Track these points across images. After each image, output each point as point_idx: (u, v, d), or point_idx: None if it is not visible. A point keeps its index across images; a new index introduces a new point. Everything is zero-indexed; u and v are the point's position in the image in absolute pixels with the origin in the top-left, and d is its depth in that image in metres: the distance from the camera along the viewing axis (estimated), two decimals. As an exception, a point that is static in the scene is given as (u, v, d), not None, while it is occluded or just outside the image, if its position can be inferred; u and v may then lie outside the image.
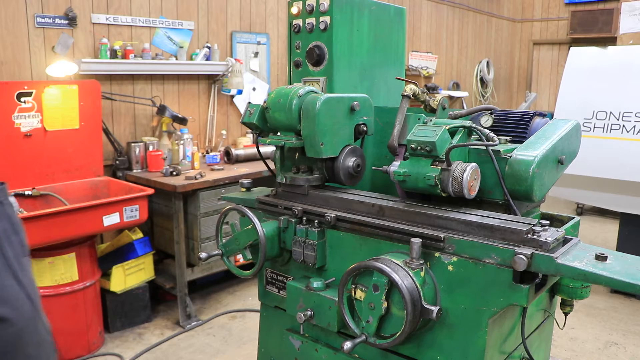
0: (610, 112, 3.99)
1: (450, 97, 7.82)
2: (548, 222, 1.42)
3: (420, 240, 1.45)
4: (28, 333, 1.18)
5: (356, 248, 1.67)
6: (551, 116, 1.94)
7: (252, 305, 4.08)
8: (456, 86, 8.28)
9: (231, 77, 4.66)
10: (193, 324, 3.79)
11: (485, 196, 1.64)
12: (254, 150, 4.35)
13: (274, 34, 5.25)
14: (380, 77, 2.22)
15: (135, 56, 4.04)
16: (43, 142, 3.41)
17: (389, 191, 1.89)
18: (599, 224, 6.39)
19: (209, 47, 4.56)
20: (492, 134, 1.68)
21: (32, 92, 3.31)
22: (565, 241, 1.41)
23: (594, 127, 4.04)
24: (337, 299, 1.58)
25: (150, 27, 4.23)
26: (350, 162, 1.79)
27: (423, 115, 1.79)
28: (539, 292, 1.44)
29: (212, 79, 4.72)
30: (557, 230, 1.39)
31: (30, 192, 3.36)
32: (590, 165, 3.92)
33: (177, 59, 4.36)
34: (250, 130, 2.31)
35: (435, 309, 1.40)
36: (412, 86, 1.83)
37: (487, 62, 8.88)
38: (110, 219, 3.20)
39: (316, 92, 1.77)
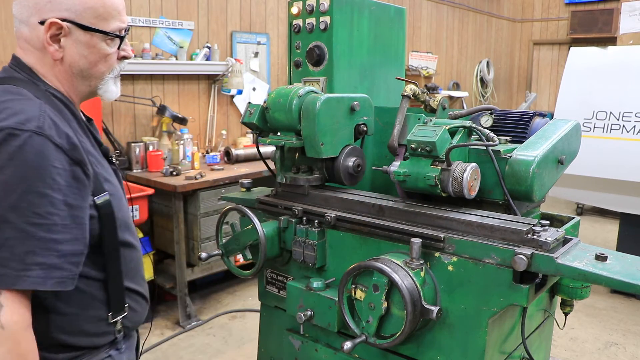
0: (610, 112, 3.99)
1: (450, 97, 7.82)
2: (548, 222, 1.42)
3: (420, 240, 1.45)
4: (142, 263, 1.45)
5: (356, 248, 1.67)
6: (551, 116, 1.94)
7: (252, 305, 4.08)
8: (456, 86, 8.28)
9: (231, 77, 4.67)
10: (193, 324, 3.79)
11: (485, 196, 1.64)
12: (254, 150, 4.35)
13: (274, 34, 5.25)
14: (380, 77, 2.21)
15: (135, 56, 4.04)
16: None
17: (389, 191, 1.89)
18: (599, 224, 6.39)
19: (209, 47, 4.56)
20: (492, 134, 1.68)
21: (32, 92, 3.30)
22: (565, 241, 1.41)
23: (594, 127, 4.04)
24: (337, 299, 1.58)
25: (150, 27, 4.23)
26: (350, 162, 1.79)
27: (423, 115, 1.78)
28: (539, 292, 1.44)
29: (212, 79, 4.72)
30: (557, 230, 1.39)
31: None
32: (590, 165, 3.92)
33: (177, 59, 4.36)
34: (250, 130, 2.30)
35: (435, 309, 1.40)
36: (412, 86, 1.83)
37: (487, 62, 8.88)
38: (110, 219, 3.19)
39: (316, 92, 1.77)
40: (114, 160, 1.40)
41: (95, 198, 1.21)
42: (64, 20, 1.19)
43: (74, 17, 1.20)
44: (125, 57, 1.33)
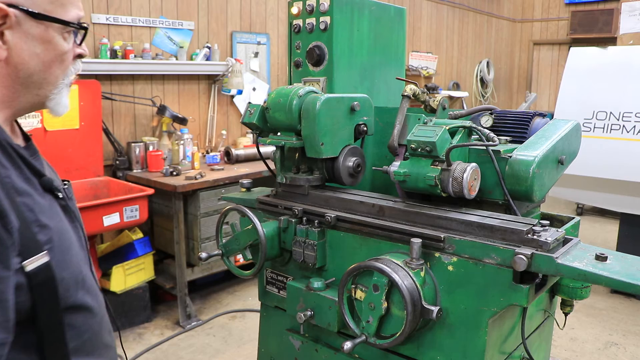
0: (610, 112, 3.99)
1: (450, 97, 7.82)
2: (548, 222, 1.42)
3: (420, 240, 1.45)
4: (105, 321, 1.14)
5: (356, 248, 1.67)
6: (551, 116, 1.94)
7: (252, 305, 4.08)
8: (456, 86, 8.28)
9: (231, 77, 4.66)
10: (193, 324, 3.79)
11: (485, 196, 1.64)
12: (254, 150, 4.35)
13: (274, 34, 5.25)
14: (381, 77, 2.22)
15: (135, 56, 4.04)
16: (43, 142, 3.41)
17: (389, 191, 1.89)
18: (599, 224, 6.39)
19: (209, 47, 4.56)
20: (492, 134, 1.68)
21: (32, 92, 3.29)
22: (565, 241, 1.41)
23: (594, 127, 4.04)
24: (337, 299, 1.58)
25: (150, 27, 4.23)
26: (350, 162, 1.79)
27: (423, 115, 1.79)
28: (539, 292, 1.44)
29: (212, 79, 4.72)
30: (557, 231, 1.39)
31: (30, 192, 3.35)
32: (590, 165, 3.92)
33: (177, 59, 4.36)
34: (250, 130, 2.30)
35: (435, 309, 1.40)
36: (412, 86, 1.83)
37: (487, 62, 8.88)
38: (111, 219, 3.20)
39: (316, 92, 1.77)
40: (61, 194, 1.05)
41: (23, 263, 0.86)
42: (9, 5, 0.89)
43: (24, 2, 0.90)
44: (80, 56, 1.04)
